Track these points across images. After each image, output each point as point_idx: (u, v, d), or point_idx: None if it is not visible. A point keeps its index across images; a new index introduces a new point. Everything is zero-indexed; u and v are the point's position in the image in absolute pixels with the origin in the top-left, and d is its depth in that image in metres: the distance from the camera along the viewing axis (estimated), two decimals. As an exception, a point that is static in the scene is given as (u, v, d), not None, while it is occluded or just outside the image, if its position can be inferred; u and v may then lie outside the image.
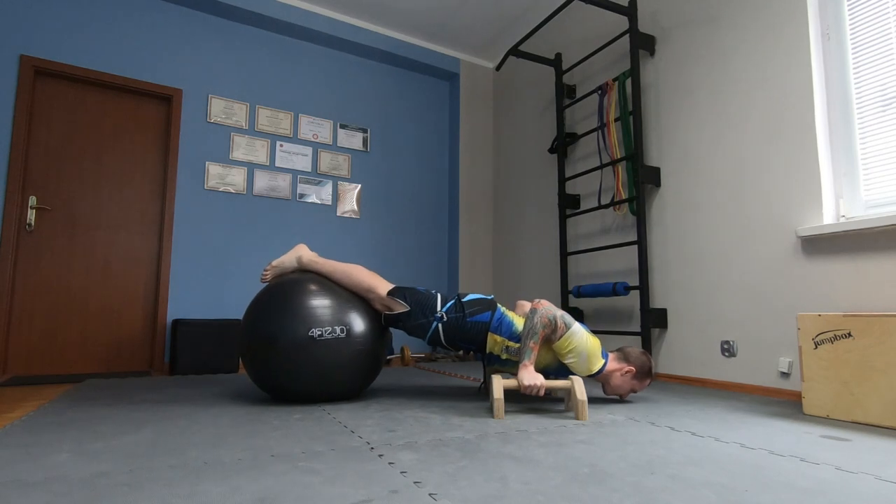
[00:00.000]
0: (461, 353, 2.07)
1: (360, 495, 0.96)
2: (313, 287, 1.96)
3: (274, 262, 2.16)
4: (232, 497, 0.95)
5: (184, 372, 3.03)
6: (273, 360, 1.85)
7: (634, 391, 2.04)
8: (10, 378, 2.78)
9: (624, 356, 2.02)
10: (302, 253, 2.15)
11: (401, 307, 2.01)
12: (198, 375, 2.96)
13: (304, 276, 2.05)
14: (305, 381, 1.88)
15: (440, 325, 1.99)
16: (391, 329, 2.36)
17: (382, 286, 2.05)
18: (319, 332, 1.84)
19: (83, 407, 1.88)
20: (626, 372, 1.98)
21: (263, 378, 1.92)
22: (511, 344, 1.97)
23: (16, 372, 2.98)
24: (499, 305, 2.05)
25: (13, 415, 1.78)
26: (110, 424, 1.58)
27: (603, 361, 1.95)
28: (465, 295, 2.06)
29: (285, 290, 1.94)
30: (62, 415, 1.73)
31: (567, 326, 1.88)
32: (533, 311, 1.87)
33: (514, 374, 2.03)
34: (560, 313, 1.89)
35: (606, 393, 2.07)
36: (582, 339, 1.90)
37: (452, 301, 2.04)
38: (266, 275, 2.18)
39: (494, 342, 1.98)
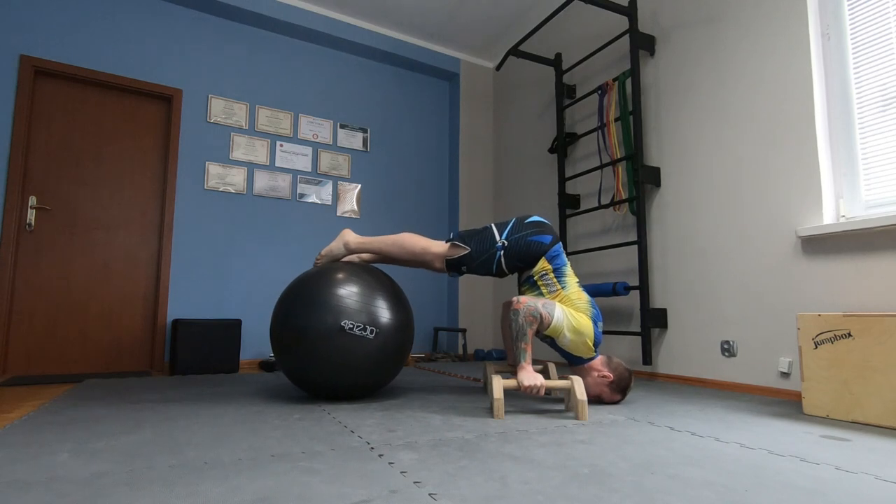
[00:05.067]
0: (509, 274, 2.13)
1: (359, 495, 0.96)
2: (340, 276, 1.97)
3: (323, 252, 2.18)
4: (232, 497, 0.95)
5: (184, 372, 3.03)
6: (303, 350, 1.87)
7: (601, 399, 2.01)
8: (10, 378, 2.78)
9: (609, 362, 2.01)
10: (348, 239, 2.17)
11: (462, 250, 2.05)
12: (198, 375, 2.96)
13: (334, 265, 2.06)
14: (332, 372, 1.90)
15: (502, 253, 2.04)
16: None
17: (435, 244, 2.09)
18: (350, 325, 1.86)
19: (83, 407, 1.88)
20: (604, 377, 1.97)
21: (295, 370, 1.94)
22: (551, 277, 2.02)
23: (16, 372, 2.98)
24: (559, 243, 2.09)
25: (13, 415, 1.78)
26: (110, 424, 1.58)
27: (594, 354, 1.97)
28: (527, 217, 2.11)
29: (314, 281, 1.96)
30: (62, 415, 1.73)
31: (551, 315, 1.88)
32: (515, 311, 1.84)
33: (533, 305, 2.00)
34: (541, 304, 1.87)
35: None
36: (570, 321, 1.91)
37: (512, 222, 2.09)
38: (318, 262, 2.20)
39: (542, 266, 2.03)
